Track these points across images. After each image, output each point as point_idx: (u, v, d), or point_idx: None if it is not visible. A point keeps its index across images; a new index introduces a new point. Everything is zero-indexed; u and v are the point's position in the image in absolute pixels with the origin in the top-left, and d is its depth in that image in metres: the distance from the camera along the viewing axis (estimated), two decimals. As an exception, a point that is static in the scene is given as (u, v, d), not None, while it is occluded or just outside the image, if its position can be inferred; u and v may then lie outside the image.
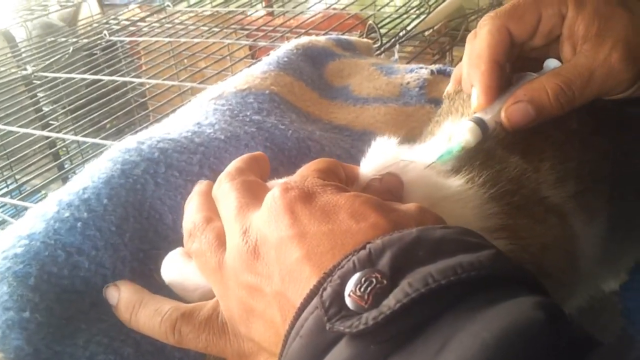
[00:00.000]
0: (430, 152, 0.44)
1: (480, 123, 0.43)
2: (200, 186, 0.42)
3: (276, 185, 0.34)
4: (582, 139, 0.50)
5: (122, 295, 0.38)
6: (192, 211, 0.39)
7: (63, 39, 1.38)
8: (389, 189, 0.38)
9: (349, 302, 0.25)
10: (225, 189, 0.37)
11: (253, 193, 0.36)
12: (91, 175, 0.44)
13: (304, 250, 0.29)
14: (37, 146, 0.95)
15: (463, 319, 0.23)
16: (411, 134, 0.58)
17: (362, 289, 0.25)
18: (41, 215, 0.41)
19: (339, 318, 0.25)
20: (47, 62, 1.23)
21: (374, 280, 0.25)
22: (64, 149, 1.19)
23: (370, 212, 0.31)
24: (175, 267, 0.39)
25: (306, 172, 0.36)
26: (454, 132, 0.44)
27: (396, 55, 0.96)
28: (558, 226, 0.45)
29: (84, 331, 0.37)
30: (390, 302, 0.24)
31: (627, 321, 0.52)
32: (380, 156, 0.41)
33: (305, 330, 0.26)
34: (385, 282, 0.25)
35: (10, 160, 0.97)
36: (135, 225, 0.42)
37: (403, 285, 0.25)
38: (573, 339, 0.23)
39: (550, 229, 0.44)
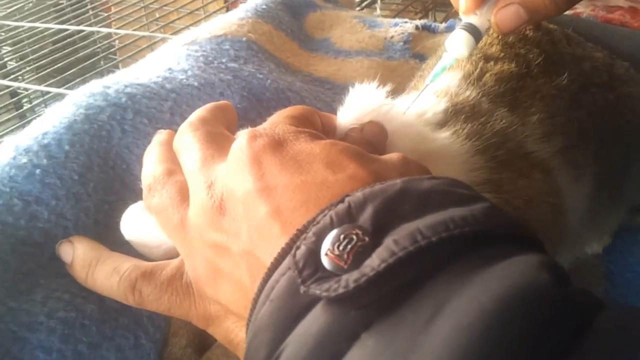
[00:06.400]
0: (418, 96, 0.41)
1: (471, 30, 0.41)
2: (160, 136, 0.38)
3: (243, 134, 0.31)
4: (572, 96, 0.48)
5: (77, 252, 0.35)
6: (152, 163, 0.35)
7: (26, -14, 1.30)
8: (370, 140, 0.35)
9: (325, 262, 0.23)
10: (188, 140, 0.33)
11: (218, 144, 0.32)
12: (52, 119, 0.40)
13: (273, 204, 0.27)
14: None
15: (457, 282, 0.21)
16: (395, 90, 0.56)
17: (340, 248, 0.23)
18: (-5, 161, 0.37)
19: (314, 280, 0.22)
20: (10, 10, 1.16)
21: (354, 237, 0.23)
22: (27, 99, 1.14)
23: (348, 161, 0.28)
24: (136, 223, 0.36)
25: (277, 119, 0.33)
26: (446, 44, 0.42)
27: (378, 12, 0.92)
28: (542, 181, 0.44)
29: (43, 286, 0.34)
30: (374, 262, 0.22)
31: (610, 284, 0.51)
32: (360, 103, 0.37)
33: (277, 293, 0.24)
34: (366, 239, 0.23)
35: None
36: (100, 175, 0.39)
37: (387, 243, 0.22)
38: (578, 302, 0.21)
39: (534, 183, 0.43)
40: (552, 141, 0.45)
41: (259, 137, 0.30)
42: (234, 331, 0.30)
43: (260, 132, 0.30)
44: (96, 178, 0.39)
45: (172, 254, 0.33)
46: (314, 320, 0.22)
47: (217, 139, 0.33)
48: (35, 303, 0.33)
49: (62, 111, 0.41)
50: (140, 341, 0.35)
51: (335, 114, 0.39)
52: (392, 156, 0.30)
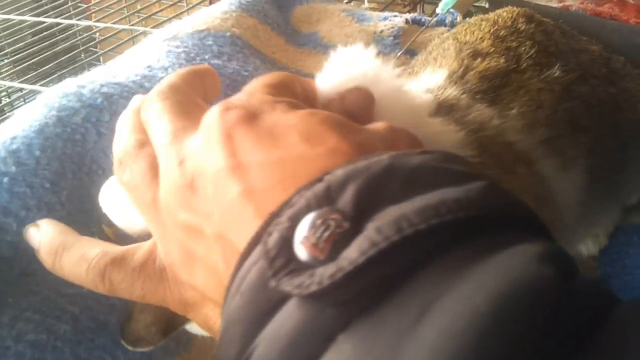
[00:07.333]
0: None
1: None
2: (136, 101, 0.34)
3: (215, 105, 0.28)
4: (565, 86, 0.47)
5: (44, 238, 0.32)
6: (123, 134, 0.32)
7: (2, -24, 1.26)
8: (352, 111, 0.32)
9: (300, 251, 0.20)
10: (157, 110, 0.30)
11: (190, 116, 0.29)
12: (21, 122, 0.38)
13: (245, 183, 0.24)
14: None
15: (448, 277, 0.19)
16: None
17: (317, 235, 0.20)
18: (-41, 168, 0.35)
19: (287, 273, 0.20)
20: (-16, 1, 1.12)
21: (332, 222, 0.20)
22: (5, 93, 1.10)
23: (328, 133, 0.25)
24: (114, 196, 0.33)
25: (254, 89, 0.30)
26: None
27: (366, 4, 0.90)
28: (526, 174, 0.42)
29: (11, 306, 0.32)
30: (352, 253, 0.19)
31: (606, 286, 0.50)
32: (344, 66, 0.33)
33: (247, 285, 0.21)
34: (347, 225, 0.20)
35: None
36: (74, 182, 0.37)
37: (369, 231, 0.20)
38: (589, 295, 0.19)
39: (519, 178, 0.41)
40: (534, 133, 0.44)
41: (232, 109, 0.27)
42: (212, 318, 0.28)
43: (235, 103, 0.27)
44: (70, 186, 0.37)
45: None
46: (286, 319, 0.20)
47: (190, 109, 0.30)
48: (2, 325, 0.31)
49: (33, 113, 0.39)
50: (118, 362, 0.33)
51: None
52: (378, 126, 0.27)
